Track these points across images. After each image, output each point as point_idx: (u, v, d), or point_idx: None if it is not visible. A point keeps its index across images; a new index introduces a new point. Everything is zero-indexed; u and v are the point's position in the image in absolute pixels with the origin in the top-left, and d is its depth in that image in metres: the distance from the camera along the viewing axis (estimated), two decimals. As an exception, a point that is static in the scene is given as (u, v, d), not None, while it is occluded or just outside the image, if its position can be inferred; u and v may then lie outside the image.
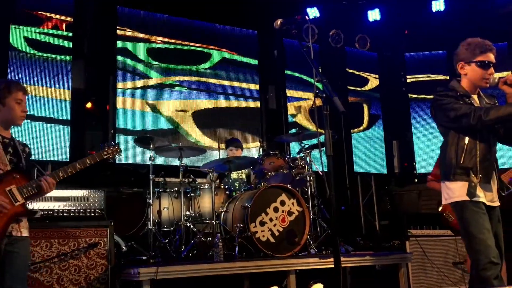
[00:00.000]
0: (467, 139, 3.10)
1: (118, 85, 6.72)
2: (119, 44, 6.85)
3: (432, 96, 3.35)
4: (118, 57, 6.80)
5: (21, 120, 3.12)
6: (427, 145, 8.22)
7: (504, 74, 3.16)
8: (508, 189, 3.42)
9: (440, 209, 4.82)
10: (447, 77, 8.30)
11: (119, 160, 6.42)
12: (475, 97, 3.23)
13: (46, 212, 3.89)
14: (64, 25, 6.42)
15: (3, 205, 2.83)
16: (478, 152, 3.07)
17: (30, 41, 6.15)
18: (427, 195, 7.22)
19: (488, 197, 3.10)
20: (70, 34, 6.44)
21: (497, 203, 3.16)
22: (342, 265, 2.80)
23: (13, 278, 2.87)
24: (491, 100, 3.28)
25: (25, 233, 3.00)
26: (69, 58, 6.37)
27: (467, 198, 3.03)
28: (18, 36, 6.09)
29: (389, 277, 5.04)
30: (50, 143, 6.02)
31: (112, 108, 6.66)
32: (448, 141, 3.17)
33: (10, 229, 2.89)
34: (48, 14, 6.34)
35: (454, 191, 3.09)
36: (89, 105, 6.59)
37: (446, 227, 4.84)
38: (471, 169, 3.05)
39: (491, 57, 3.15)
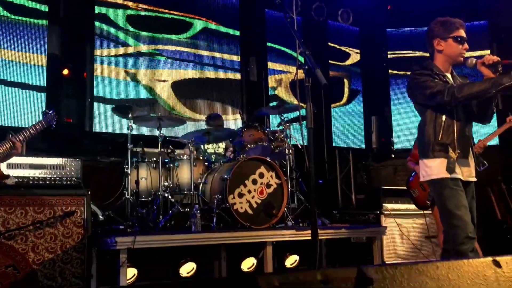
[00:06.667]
0: (444, 117, 3.14)
1: (96, 52, 6.55)
2: (97, 9, 6.64)
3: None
4: (96, 23, 6.61)
5: None
6: (405, 121, 8.31)
7: (483, 52, 3.20)
8: (484, 164, 3.49)
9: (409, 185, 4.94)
10: (428, 54, 8.33)
11: (96, 128, 6.33)
12: (449, 75, 3.27)
13: (21, 180, 3.82)
14: (39, -12, 6.20)
15: None
16: (455, 128, 3.13)
17: (3, 3, 5.92)
18: (404, 170, 7.33)
19: (465, 172, 3.16)
20: (46, -4, 6.23)
21: (473, 178, 3.23)
22: (319, 237, 2.84)
23: None
24: (464, 80, 3.35)
25: None
26: (45, 22, 6.17)
27: (446, 176, 3.08)
28: (-9, -3, 5.87)
29: (363, 250, 5.15)
30: (26, 110, 5.88)
31: (89, 75, 6.50)
32: (426, 120, 3.21)
33: None
34: (23, -24, 6.11)
35: (433, 168, 3.13)
36: (65, 72, 6.42)
37: (412, 202, 4.97)
38: (449, 144, 3.10)
39: (463, 33, 3.25)
